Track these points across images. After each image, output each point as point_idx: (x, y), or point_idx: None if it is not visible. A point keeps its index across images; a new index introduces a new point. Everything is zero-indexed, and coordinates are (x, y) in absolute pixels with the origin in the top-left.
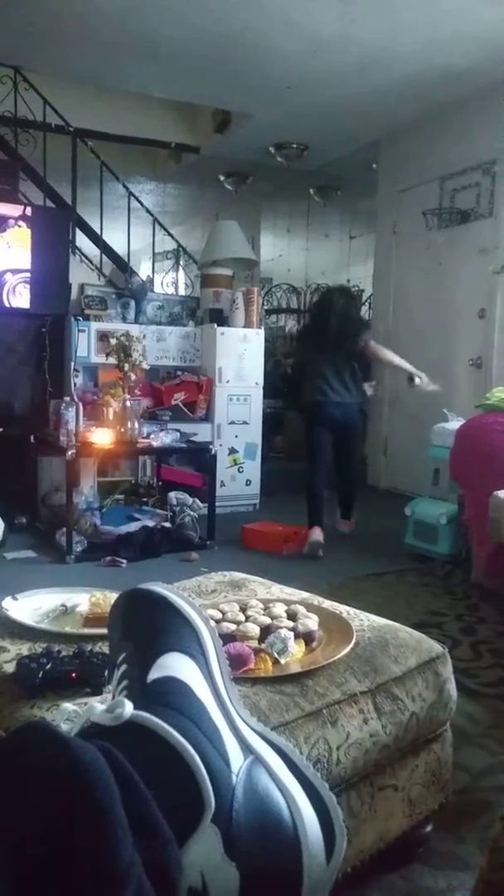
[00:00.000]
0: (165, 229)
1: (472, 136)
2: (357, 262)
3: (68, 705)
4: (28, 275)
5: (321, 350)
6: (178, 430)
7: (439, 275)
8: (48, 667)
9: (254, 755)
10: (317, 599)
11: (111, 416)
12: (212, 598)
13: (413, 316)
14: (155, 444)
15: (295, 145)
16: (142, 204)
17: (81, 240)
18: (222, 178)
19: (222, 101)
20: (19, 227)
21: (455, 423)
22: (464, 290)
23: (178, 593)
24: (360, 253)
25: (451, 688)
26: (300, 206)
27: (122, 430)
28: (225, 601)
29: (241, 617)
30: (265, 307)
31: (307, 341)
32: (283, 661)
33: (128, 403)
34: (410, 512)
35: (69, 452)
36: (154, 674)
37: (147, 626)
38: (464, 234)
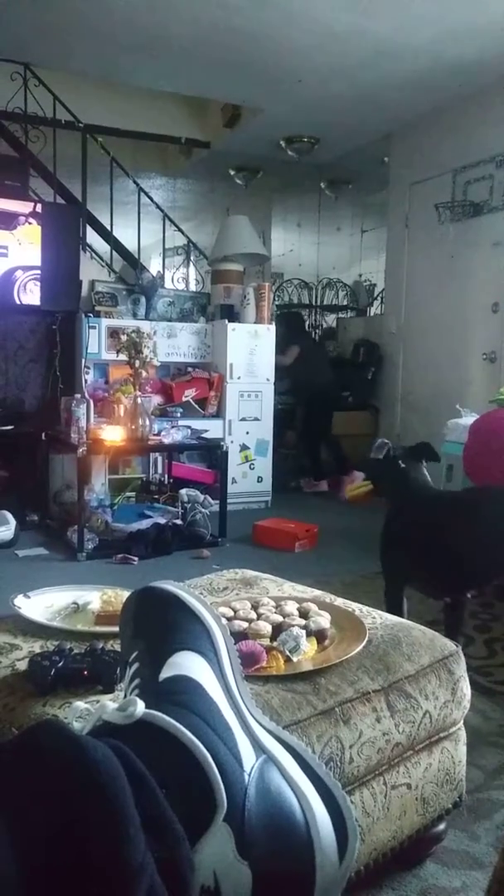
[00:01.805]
0: (176, 225)
1: (485, 129)
2: (369, 257)
3: (80, 703)
4: (38, 272)
5: (316, 351)
6: (189, 427)
7: (452, 268)
8: (60, 665)
9: (266, 754)
10: (329, 597)
11: (122, 413)
12: (223, 595)
13: (425, 310)
14: (166, 440)
15: (306, 139)
16: (152, 200)
17: (92, 236)
18: (233, 172)
19: (232, 95)
20: (30, 223)
21: (468, 419)
22: (477, 283)
23: (189, 591)
24: (371, 247)
25: (465, 686)
26: (311, 201)
27: (133, 426)
28: (237, 599)
29: (253, 615)
30: (276, 303)
31: (304, 343)
32: (295, 659)
33: (139, 400)
34: None
35: (80, 450)
36: (166, 672)
37: (159, 625)
38: (477, 227)
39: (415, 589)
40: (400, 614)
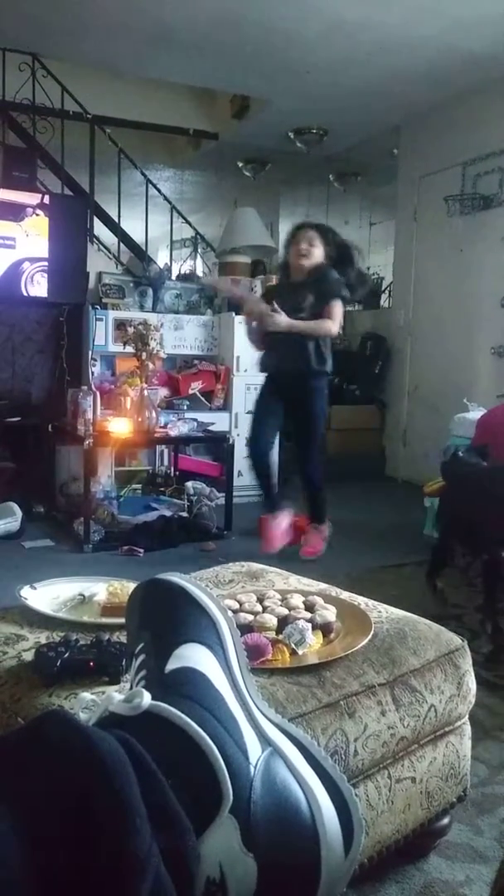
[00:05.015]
0: (183, 217)
1: (495, 121)
2: (377, 250)
3: (86, 694)
4: (46, 263)
5: None
6: (195, 420)
7: (461, 262)
8: (66, 655)
9: (272, 747)
10: (335, 590)
11: (129, 406)
12: (229, 588)
13: (434, 304)
14: (172, 433)
15: (314, 130)
16: (160, 191)
17: (99, 228)
18: (241, 164)
19: (241, 86)
20: (37, 215)
21: (476, 413)
22: (486, 277)
23: (195, 584)
24: (380, 240)
25: (470, 680)
26: (319, 193)
27: (140, 419)
28: (242, 592)
29: (259, 608)
30: None
31: None
32: (300, 652)
33: (145, 392)
34: (430, 503)
35: (87, 441)
36: (172, 664)
37: (165, 617)
38: (486, 220)
39: (459, 544)
40: (443, 559)
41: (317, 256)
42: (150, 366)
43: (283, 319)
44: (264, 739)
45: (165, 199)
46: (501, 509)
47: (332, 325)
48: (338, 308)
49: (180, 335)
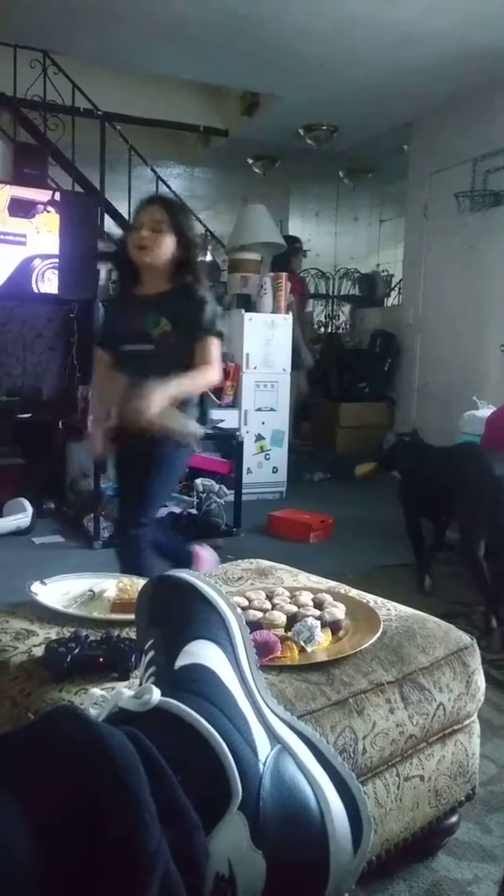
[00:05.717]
0: (193, 213)
1: None
2: (387, 247)
3: (96, 690)
4: (56, 260)
5: None
6: None
7: (471, 259)
8: (76, 651)
9: (281, 744)
10: (343, 588)
11: None
12: (238, 585)
13: (444, 301)
14: None
15: (325, 127)
16: (170, 188)
17: (110, 225)
18: (251, 161)
19: (251, 82)
20: (48, 212)
21: (485, 411)
22: (496, 274)
23: (205, 580)
24: (390, 237)
25: (479, 679)
26: (329, 190)
27: None
28: (251, 589)
29: (268, 605)
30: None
31: None
32: (309, 649)
33: None
34: None
35: None
36: (181, 661)
37: (174, 613)
38: (497, 217)
39: (421, 515)
40: (419, 535)
41: (165, 249)
42: None
43: (154, 398)
44: (273, 736)
45: (175, 195)
46: (467, 492)
47: (216, 371)
48: (216, 348)
49: None
